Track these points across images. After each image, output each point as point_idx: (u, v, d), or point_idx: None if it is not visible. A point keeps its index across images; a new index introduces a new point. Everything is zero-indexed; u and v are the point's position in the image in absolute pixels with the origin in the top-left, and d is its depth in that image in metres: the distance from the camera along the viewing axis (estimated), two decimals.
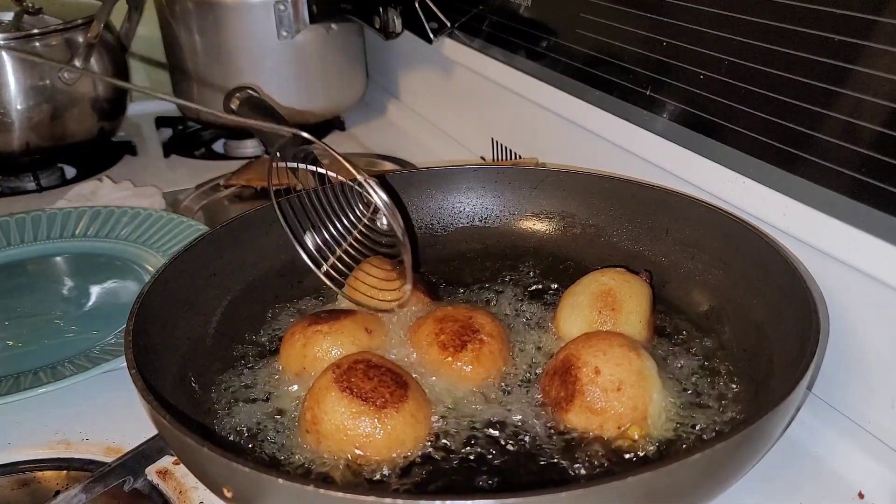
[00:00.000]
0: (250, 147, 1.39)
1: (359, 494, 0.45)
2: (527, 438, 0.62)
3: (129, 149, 1.40)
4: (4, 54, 1.19)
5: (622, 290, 0.71)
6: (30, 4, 1.29)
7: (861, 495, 0.61)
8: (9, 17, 1.31)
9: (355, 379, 0.60)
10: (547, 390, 0.65)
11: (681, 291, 0.78)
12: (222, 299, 0.77)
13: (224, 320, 0.76)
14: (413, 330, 0.71)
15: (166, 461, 0.65)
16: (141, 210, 1.05)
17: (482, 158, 1.24)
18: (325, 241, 0.76)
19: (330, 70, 1.37)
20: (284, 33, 1.30)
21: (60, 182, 1.30)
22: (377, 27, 1.25)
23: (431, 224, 0.91)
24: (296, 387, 0.68)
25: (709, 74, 0.76)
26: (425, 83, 1.41)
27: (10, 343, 0.85)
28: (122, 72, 1.36)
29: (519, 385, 0.67)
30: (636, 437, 0.60)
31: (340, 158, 0.69)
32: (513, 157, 1.18)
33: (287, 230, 0.74)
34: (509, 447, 0.61)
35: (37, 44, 1.21)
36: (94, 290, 0.95)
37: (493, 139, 1.22)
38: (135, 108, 1.51)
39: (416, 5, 1.18)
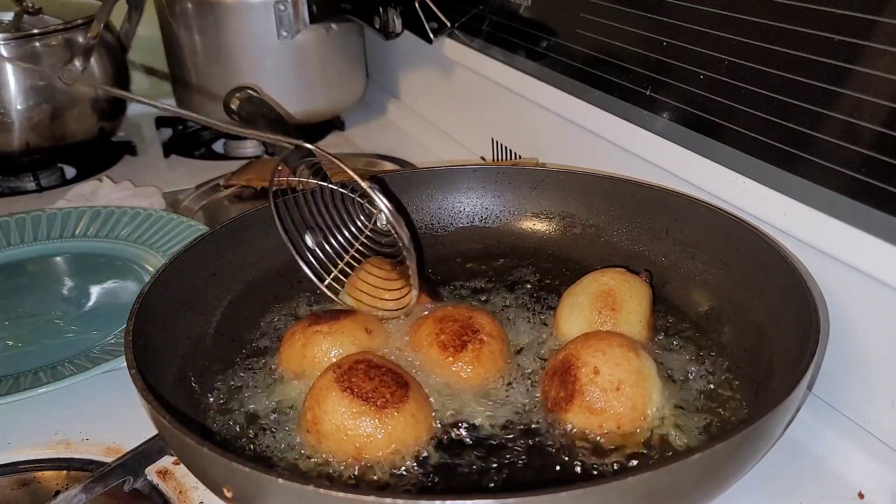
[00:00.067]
0: (250, 147, 1.39)
1: (359, 494, 0.45)
2: (526, 438, 0.62)
3: (129, 149, 1.40)
4: (4, 54, 1.19)
5: (622, 290, 0.71)
6: (30, 4, 1.29)
7: (861, 495, 0.61)
8: (9, 17, 1.31)
9: (356, 379, 0.60)
10: (546, 390, 0.65)
11: (681, 291, 0.78)
12: (222, 299, 0.77)
13: (224, 320, 0.76)
14: (413, 330, 0.71)
15: (166, 461, 0.65)
16: (141, 210, 1.05)
17: (482, 158, 1.24)
18: (326, 254, 0.76)
19: (330, 70, 1.37)
20: (284, 33, 1.30)
21: (60, 182, 1.30)
22: (377, 27, 1.25)
23: (431, 224, 0.91)
24: (296, 387, 0.68)
25: (709, 74, 0.76)
26: (425, 83, 1.41)
27: (10, 343, 0.85)
28: (122, 72, 1.36)
29: (518, 385, 0.67)
30: (635, 436, 0.61)
31: (346, 168, 0.69)
32: (513, 157, 1.17)
33: (289, 245, 0.75)
34: (509, 447, 0.61)
35: (37, 44, 1.21)
36: (94, 290, 0.95)
37: (493, 139, 1.22)
38: (135, 108, 1.51)
39: (416, 5, 1.18)
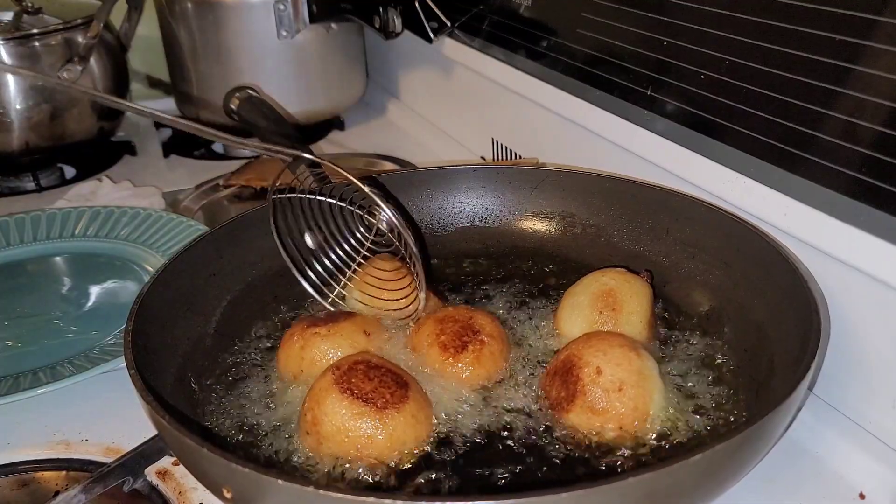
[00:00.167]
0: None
1: (359, 495, 0.45)
2: (527, 439, 0.62)
3: (128, 149, 1.40)
4: (4, 54, 1.19)
5: (623, 290, 0.71)
6: (29, 4, 1.29)
7: (862, 496, 0.61)
8: (8, 16, 1.30)
9: (356, 380, 0.60)
10: (548, 390, 0.64)
11: (681, 291, 0.78)
12: (222, 299, 0.77)
13: (224, 320, 0.76)
14: (414, 331, 0.71)
15: (166, 462, 0.65)
16: (140, 210, 1.05)
17: (482, 158, 1.24)
18: (327, 268, 0.76)
19: (330, 70, 1.37)
20: (284, 33, 1.30)
21: (60, 182, 1.30)
22: (377, 27, 1.25)
23: (431, 224, 0.91)
24: (295, 388, 0.68)
25: (709, 74, 0.76)
26: (425, 83, 1.41)
27: (10, 343, 0.85)
28: (121, 72, 1.36)
29: (519, 385, 0.67)
30: (637, 436, 0.61)
31: (353, 179, 0.69)
32: (513, 157, 1.17)
33: (291, 265, 0.75)
34: (510, 447, 0.61)
35: (36, 44, 1.20)
36: (94, 291, 0.95)
37: (493, 139, 1.21)
38: None
39: (416, 5, 1.18)
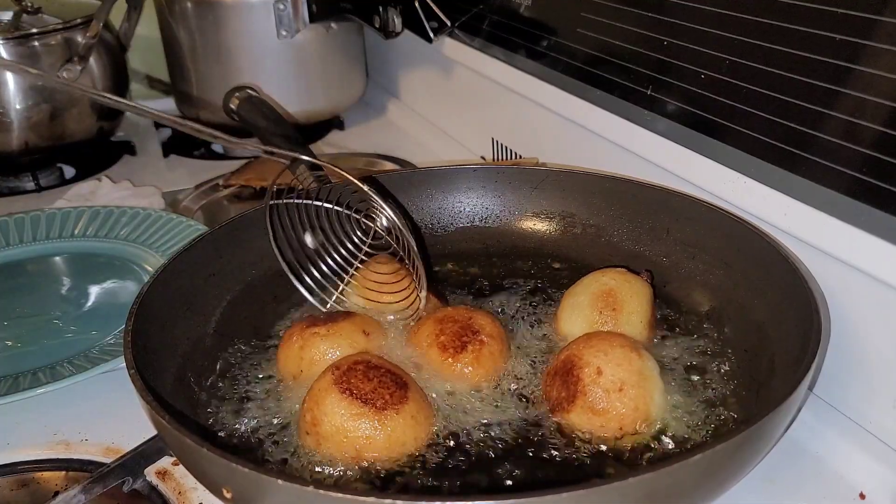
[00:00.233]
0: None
1: (359, 495, 0.45)
2: (527, 439, 0.61)
3: (128, 148, 1.39)
4: (4, 53, 1.18)
5: (623, 290, 0.71)
6: (29, 4, 1.29)
7: (862, 496, 0.61)
8: (8, 16, 1.30)
9: (355, 380, 0.60)
10: (548, 391, 0.64)
11: (682, 291, 0.78)
12: (222, 299, 0.77)
13: (223, 320, 0.76)
14: (413, 331, 0.71)
15: (165, 462, 0.65)
16: (140, 210, 1.05)
17: (482, 158, 1.24)
18: (324, 274, 0.76)
19: (330, 70, 1.37)
20: (284, 33, 1.30)
21: (59, 182, 1.30)
22: (377, 26, 1.25)
23: (431, 224, 0.91)
24: (295, 388, 0.68)
25: (710, 74, 0.75)
26: (425, 83, 1.41)
27: (10, 343, 0.85)
28: (121, 72, 1.36)
29: (519, 386, 0.67)
30: (637, 437, 0.60)
31: (352, 179, 0.69)
32: (513, 156, 1.17)
33: (287, 271, 0.75)
34: (510, 448, 0.61)
35: (36, 43, 1.20)
36: (94, 291, 0.95)
37: (493, 139, 1.21)
38: None
39: (416, 4, 1.18)
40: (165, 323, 0.69)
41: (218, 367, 0.71)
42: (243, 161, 1.29)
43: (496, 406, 0.65)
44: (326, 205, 0.75)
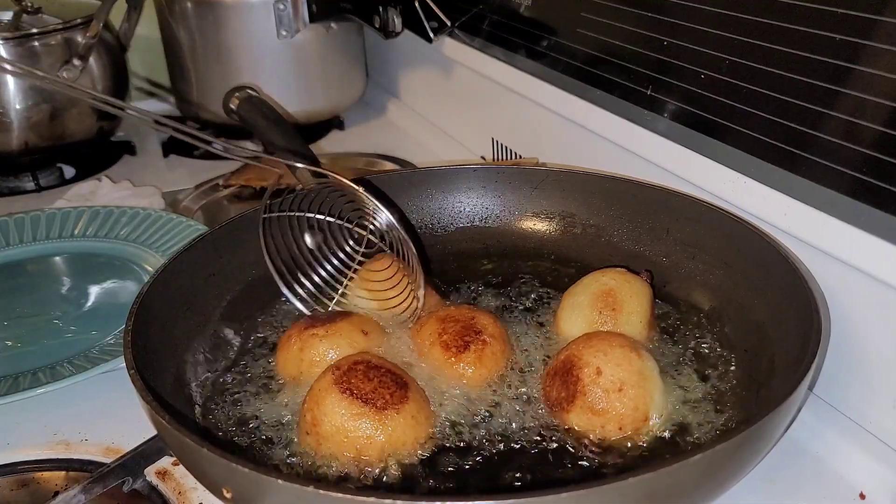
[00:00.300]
0: (249, 147, 1.38)
1: (359, 495, 0.45)
2: (528, 439, 0.61)
3: (128, 148, 1.39)
4: (4, 53, 1.18)
5: (623, 290, 0.71)
6: (29, 4, 1.29)
7: (862, 496, 0.61)
8: (8, 16, 1.30)
9: (355, 380, 0.60)
10: (547, 391, 0.64)
11: (682, 292, 0.78)
12: (222, 299, 0.77)
13: (223, 320, 0.76)
14: (415, 330, 0.71)
15: (165, 462, 0.65)
16: (140, 210, 1.05)
17: (482, 158, 1.24)
18: (319, 289, 0.77)
19: (330, 70, 1.37)
20: (284, 33, 1.30)
21: (59, 182, 1.30)
22: (377, 26, 1.25)
23: (431, 224, 0.91)
24: (295, 388, 0.68)
25: (710, 74, 0.75)
26: (425, 83, 1.41)
27: (10, 343, 0.85)
28: (121, 72, 1.36)
29: (519, 386, 0.67)
30: (637, 437, 0.60)
31: (353, 186, 0.69)
32: (513, 157, 1.17)
33: (281, 283, 0.75)
34: (510, 448, 0.61)
35: (35, 43, 1.20)
36: (93, 291, 0.95)
37: (493, 139, 1.21)
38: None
39: (416, 4, 1.18)
40: (165, 323, 0.69)
41: (218, 367, 0.71)
42: (243, 161, 1.29)
43: (496, 406, 0.65)
44: (319, 216, 0.76)
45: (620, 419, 0.60)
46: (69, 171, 1.33)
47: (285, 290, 0.75)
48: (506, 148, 1.19)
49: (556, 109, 1.00)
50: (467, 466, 0.59)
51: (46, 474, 0.68)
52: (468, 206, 0.91)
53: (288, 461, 0.60)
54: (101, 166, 1.33)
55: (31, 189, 1.27)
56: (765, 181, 0.70)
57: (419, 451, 0.60)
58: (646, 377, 0.61)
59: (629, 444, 0.60)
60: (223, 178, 1.22)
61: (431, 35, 1.19)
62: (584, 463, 0.59)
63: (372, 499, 0.44)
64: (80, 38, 1.22)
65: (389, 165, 1.29)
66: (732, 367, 0.68)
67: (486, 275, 0.85)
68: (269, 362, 0.72)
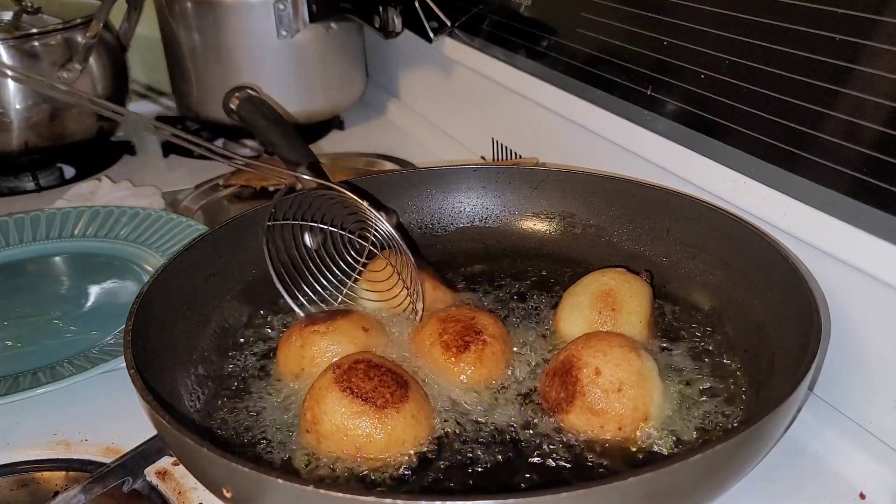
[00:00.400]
0: (250, 147, 1.38)
1: (359, 494, 0.45)
2: (527, 439, 0.61)
3: (128, 148, 1.39)
4: (4, 53, 1.18)
5: (623, 290, 0.71)
6: (29, 4, 1.29)
7: (862, 496, 0.61)
8: (8, 16, 1.30)
9: (356, 379, 0.60)
10: (547, 391, 0.64)
11: (682, 292, 0.78)
12: (221, 299, 0.77)
13: (223, 320, 0.76)
14: (416, 330, 0.71)
15: (165, 462, 0.65)
16: (140, 210, 1.05)
17: (482, 158, 1.24)
18: (320, 295, 0.77)
19: (330, 70, 1.37)
20: (284, 33, 1.30)
21: (59, 182, 1.30)
22: (377, 26, 1.25)
23: (431, 224, 0.91)
24: (295, 387, 0.68)
25: (710, 74, 0.76)
26: (425, 83, 1.41)
27: (10, 343, 0.85)
28: (121, 72, 1.36)
29: (519, 386, 0.67)
30: (636, 437, 0.60)
31: (355, 198, 0.70)
32: (513, 157, 1.17)
33: (288, 299, 0.76)
34: (509, 448, 0.61)
35: (35, 43, 1.20)
36: (93, 291, 0.95)
37: (493, 139, 1.21)
38: (134, 108, 1.51)
39: (416, 4, 1.18)
40: (165, 323, 0.69)
41: (218, 366, 0.71)
42: (242, 167, 1.29)
43: (496, 406, 0.65)
44: (321, 226, 0.76)
45: (620, 419, 0.60)
46: (69, 171, 1.33)
47: (289, 300, 0.76)
48: (506, 148, 1.19)
49: (556, 109, 1.00)
50: (467, 466, 0.59)
51: (46, 474, 0.68)
52: (468, 206, 0.91)
53: (288, 460, 0.60)
54: (101, 166, 1.33)
55: (31, 189, 1.27)
56: (765, 181, 0.70)
57: (419, 450, 0.60)
58: (645, 377, 0.61)
59: (629, 445, 0.60)
60: (223, 179, 1.22)
61: (431, 35, 1.19)
62: (584, 463, 0.59)
63: (372, 498, 0.44)
64: (80, 39, 1.22)
65: (389, 165, 1.29)
66: (732, 367, 0.68)
67: (486, 275, 0.85)
68: (270, 361, 0.72)
